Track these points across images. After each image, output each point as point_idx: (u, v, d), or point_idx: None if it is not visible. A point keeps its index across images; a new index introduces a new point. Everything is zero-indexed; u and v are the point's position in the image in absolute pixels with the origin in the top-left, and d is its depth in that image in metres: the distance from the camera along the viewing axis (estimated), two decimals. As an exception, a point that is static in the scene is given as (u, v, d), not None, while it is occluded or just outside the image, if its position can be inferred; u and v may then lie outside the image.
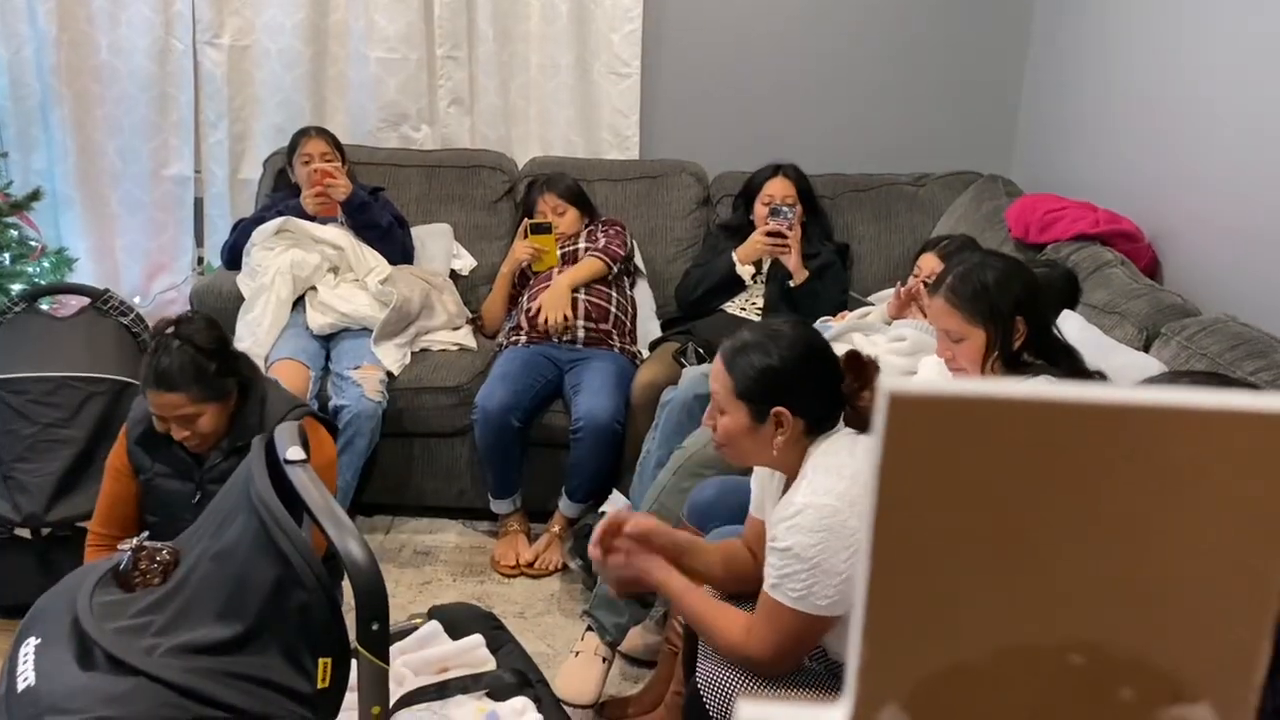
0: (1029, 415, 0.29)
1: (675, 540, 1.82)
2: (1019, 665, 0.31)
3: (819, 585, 1.53)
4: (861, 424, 1.65)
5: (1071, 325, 2.32)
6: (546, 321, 3.01)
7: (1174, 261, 2.74)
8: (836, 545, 1.53)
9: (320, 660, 1.37)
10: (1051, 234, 2.86)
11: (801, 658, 1.66)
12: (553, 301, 3.03)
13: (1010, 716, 0.31)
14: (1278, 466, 0.29)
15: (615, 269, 3.15)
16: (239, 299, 3.01)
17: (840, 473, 1.58)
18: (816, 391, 1.65)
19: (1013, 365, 1.90)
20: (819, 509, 1.54)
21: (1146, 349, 2.29)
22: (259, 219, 3.15)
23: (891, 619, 0.30)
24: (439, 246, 3.43)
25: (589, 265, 3.12)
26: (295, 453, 1.49)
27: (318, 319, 2.98)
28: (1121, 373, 2.08)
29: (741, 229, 3.28)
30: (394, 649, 1.71)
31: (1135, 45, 2.96)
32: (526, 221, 3.27)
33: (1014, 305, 1.88)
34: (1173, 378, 1.35)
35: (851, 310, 2.97)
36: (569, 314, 3.03)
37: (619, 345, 3.09)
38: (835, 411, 1.67)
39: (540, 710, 1.66)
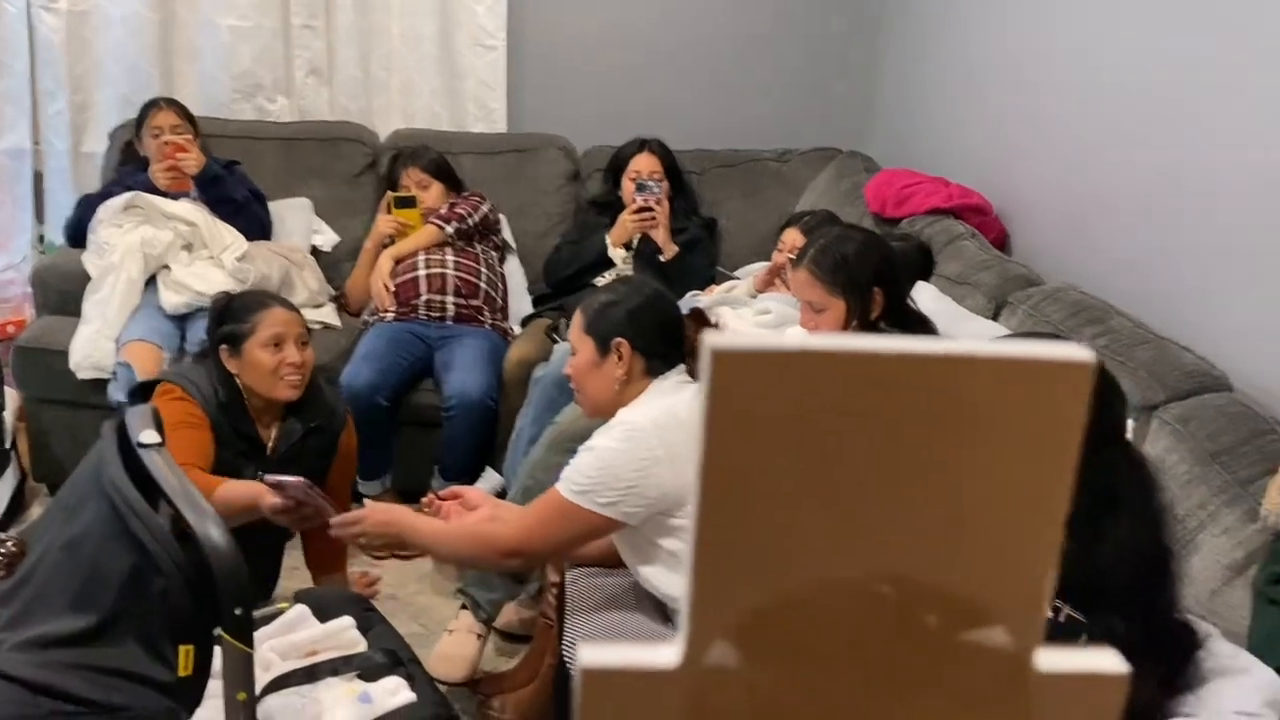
0: (840, 367, 0.32)
1: None
2: (837, 596, 0.33)
3: (602, 485, 1.66)
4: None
5: (926, 296, 2.43)
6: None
7: (1021, 234, 2.88)
8: (631, 456, 1.66)
9: (181, 647, 1.33)
10: (907, 208, 2.97)
11: (569, 553, 1.84)
12: (375, 276, 3.07)
13: (830, 643, 0.34)
14: (1060, 408, 0.32)
15: (449, 229, 3.10)
16: (85, 279, 2.87)
17: (660, 404, 1.73)
18: (654, 330, 1.80)
19: (870, 334, 1.98)
20: (631, 424, 1.70)
21: (995, 317, 2.41)
22: (105, 194, 3.00)
23: (719, 558, 0.32)
24: (298, 222, 3.33)
25: (421, 234, 3.11)
26: (149, 436, 1.44)
27: (172, 298, 2.86)
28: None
29: (611, 204, 3.29)
30: (260, 634, 1.67)
31: (984, 26, 3.09)
32: (390, 195, 3.20)
33: (872, 277, 1.96)
34: (1009, 339, 1.44)
35: (719, 284, 3.03)
36: (388, 283, 3.03)
37: (490, 321, 3.06)
38: (673, 357, 1.81)
39: (413, 689, 1.65)
